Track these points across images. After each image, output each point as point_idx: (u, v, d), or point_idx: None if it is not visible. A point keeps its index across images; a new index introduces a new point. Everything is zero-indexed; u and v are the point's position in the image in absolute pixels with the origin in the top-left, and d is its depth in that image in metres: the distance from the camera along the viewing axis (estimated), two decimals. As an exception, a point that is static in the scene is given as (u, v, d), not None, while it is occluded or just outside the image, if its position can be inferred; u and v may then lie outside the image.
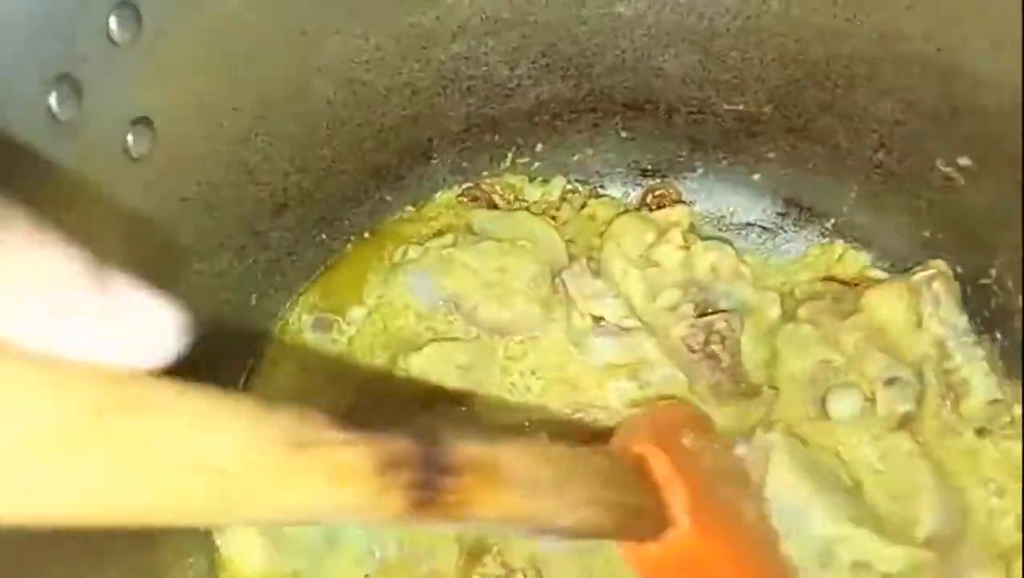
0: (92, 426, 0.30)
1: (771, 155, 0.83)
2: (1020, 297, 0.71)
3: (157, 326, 0.32)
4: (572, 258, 0.83)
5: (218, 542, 0.71)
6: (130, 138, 0.58)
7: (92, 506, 0.30)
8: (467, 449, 0.43)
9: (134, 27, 0.54)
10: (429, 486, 0.40)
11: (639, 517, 0.54)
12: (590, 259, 0.83)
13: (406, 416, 0.75)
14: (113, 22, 0.53)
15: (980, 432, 0.73)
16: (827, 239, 0.85)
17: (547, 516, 0.47)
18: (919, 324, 0.74)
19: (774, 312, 0.79)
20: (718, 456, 0.66)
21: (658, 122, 0.84)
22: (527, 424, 0.77)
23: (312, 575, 0.70)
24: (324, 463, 0.36)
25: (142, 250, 0.62)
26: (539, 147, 0.87)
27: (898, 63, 0.67)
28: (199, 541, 0.70)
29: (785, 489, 0.67)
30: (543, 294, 0.79)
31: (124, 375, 0.31)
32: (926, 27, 0.63)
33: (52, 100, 0.51)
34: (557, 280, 0.81)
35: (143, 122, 0.59)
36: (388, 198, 0.85)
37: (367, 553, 0.71)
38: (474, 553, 0.72)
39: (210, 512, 0.33)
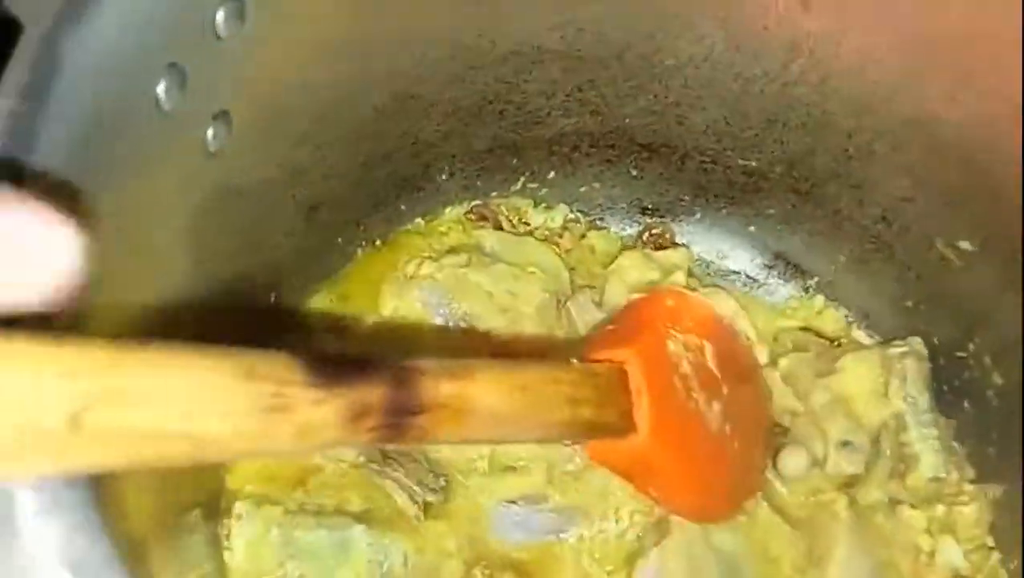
0: (70, 438, 0.31)
1: (771, 211, 0.88)
2: (996, 374, 0.77)
3: (47, 243, 0.31)
4: (575, 288, 0.85)
5: (226, 546, 0.70)
6: (210, 132, 0.58)
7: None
8: (437, 388, 0.47)
9: (238, 23, 0.54)
10: (394, 426, 0.45)
11: (604, 427, 0.61)
12: (590, 287, 0.86)
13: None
14: (220, 16, 0.53)
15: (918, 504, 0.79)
16: (808, 294, 0.90)
17: (512, 436, 0.52)
18: (885, 394, 0.80)
19: (762, 359, 0.83)
20: (710, 351, 0.71)
21: (669, 167, 0.88)
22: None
23: (321, 579, 0.70)
24: (295, 422, 0.39)
25: (200, 240, 0.61)
26: (551, 175, 0.90)
27: (926, 147, 0.72)
28: (207, 549, 0.69)
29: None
30: (549, 321, 0.82)
31: (102, 358, 0.32)
32: (962, 117, 0.68)
33: (160, 89, 0.51)
34: (562, 308, 0.83)
35: (223, 116, 0.59)
36: (404, 207, 0.86)
37: (375, 564, 0.71)
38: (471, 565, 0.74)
39: (184, 465, 0.37)
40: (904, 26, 0.67)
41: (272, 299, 0.77)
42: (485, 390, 0.49)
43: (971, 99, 0.67)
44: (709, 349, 0.71)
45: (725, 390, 0.71)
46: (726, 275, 0.92)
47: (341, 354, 0.43)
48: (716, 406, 0.69)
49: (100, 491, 0.41)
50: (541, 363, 0.58)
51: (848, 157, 0.78)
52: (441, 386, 0.46)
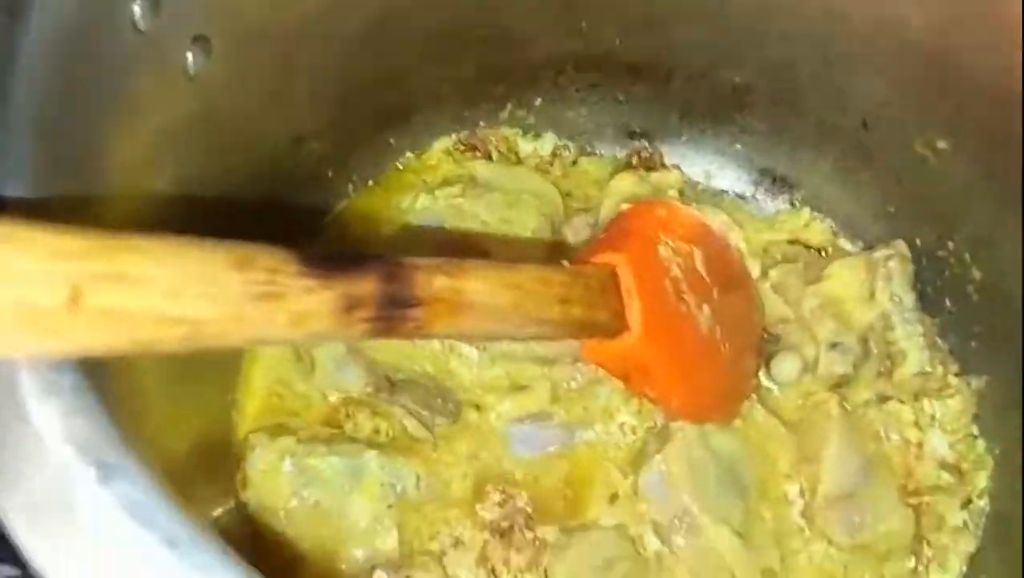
0: (70, 315, 0.33)
1: (756, 126, 0.90)
2: (975, 268, 0.79)
3: None
4: (570, 212, 0.87)
5: (244, 473, 0.73)
6: (190, 56, 0.60)
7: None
8: (431, 282, 0.49)
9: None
10: (389, 319, 0.47)
11: (596, 325, 0.63)
12: (585, 210, 0.87)
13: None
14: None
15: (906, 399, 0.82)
16: (795, 207, 0.92)
17: (505, 332, 0.55)
18: (871, 297, 0.82)
19: (755, 271, 0.85)
20: (699, 257, 0.73)
21: (655, 87, 0.89)
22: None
23: (336, 506, 0.72)
24: (287, 310, 0.41)
25: (182, 164, 0.63)
26: (538, 101, 0.91)
27: (896, 47, 0.73)
28: (226, 483, 0.72)
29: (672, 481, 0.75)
30: (545, 243, 0.84)
31: (100, 243, 0.35)
32: (929, 18, 0.69)
33: (136, 9, 0.52)
34: (557, 232, 0.85)
35: (202, 40, 0.60)
36: (391, 140, 0.88)
37: (388, 486, 0.73)
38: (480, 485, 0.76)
39: (186, 348, 0.39)
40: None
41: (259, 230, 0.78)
42: (479, 286, 0.51)
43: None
44: (699, 255, 0.73)
45: (715, 294, 0.73)
46: (715, 194, 0.94)
47: (336, 249, 0.45)
48: (706, 309, 0.71)
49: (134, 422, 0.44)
50: (533, 265, 0.59)
51: (827, 64, 0.80)
52: (435, 280, 0.48)
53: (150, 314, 0.35)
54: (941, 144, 0.77)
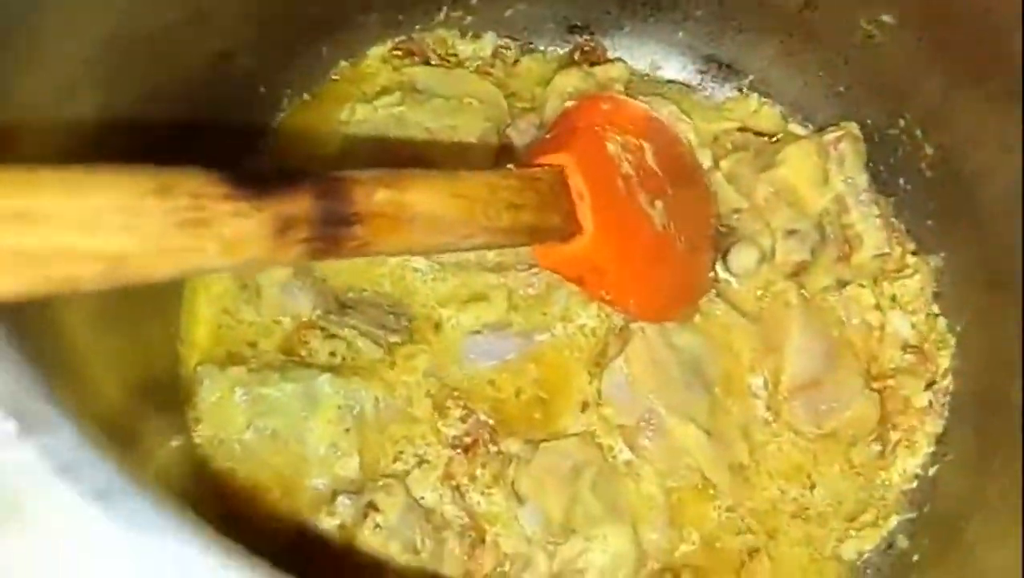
0: None
1: (698, 12, 0.87)
2: (927, 145, 0.78)
3: None
4: (514, 115, 0.84)
5: (195, 408, 0.71)
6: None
7: None
8: (370, 196, 0.47)
9: None
10: (328, 238, 0.45)
11: (547, 229, 0.61)
12: (530, 110, 0.85)
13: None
14: None
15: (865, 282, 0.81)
16: (743, 93, 0.90)
17: (453, 244, 0.53)
18: (825, 181, 0.81)
19: (706, 162, 0.83)
20: (650, 151, 0.72)
21: (592, -23, 0.85)
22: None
23: (293, 433, 0.71)
24: (217, 235, 0.39)
25: (107, 91, 0.59)
26: (473, 1, 0.87)
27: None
28: (173, 421, 0.69)
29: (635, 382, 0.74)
30: (493, 149, 0.81)
31: (5, 176, 0.32)
32: None
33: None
34: (503, 135, 0.82)
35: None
36: (324, 51, 0.84)
37: (345, 409, 0.72)
38: (442, 401, 0.75)
39: (109, 284, 0.36)
40: None
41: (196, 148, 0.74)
42: (423, 197, 0.49)
43: None
44: (649, 149, 0.71)
45: (668, 189, 0.71)
46: (662, 84, 0.91)
47: (261, 168, 0.42)
48: (659, 204, 0.69)
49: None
50: (479, 171, 0.57)
51: (771, -60, 0.77)
52: (376, 194, 0.46)
53: (62, 251, 0.33)
54: (886, 18, 0.75)
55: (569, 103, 0.81)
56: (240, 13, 0.71)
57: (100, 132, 0.61)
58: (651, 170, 0.70)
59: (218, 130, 0.75)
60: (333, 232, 0.43)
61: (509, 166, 0.60)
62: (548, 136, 0.73)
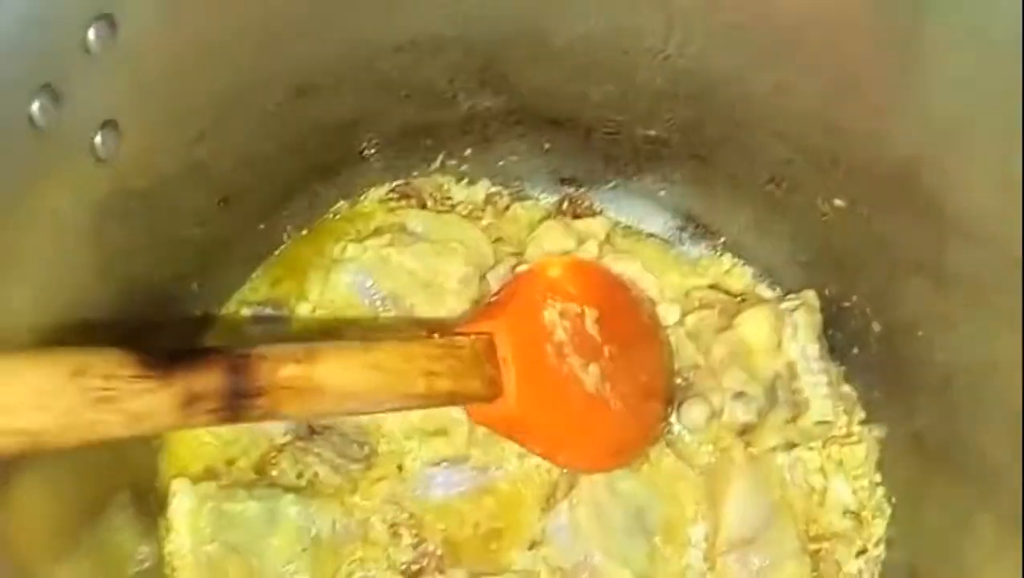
0: None
1: (676, 176, 0.93)
2: (875, 321, 0.82)
3: None
4: (498, 258, 0.91)
5: (164, 523, 0.77)
6: (98, 140, 0.63)
7: None
8: (276, 372, 0.52)
9: (109, 38, 0.59)
10: (232, 408, 0.51)
11: (467, 394, 0.67)
12: (516, 255, 0.91)
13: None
14: (91, 33, 0.57)
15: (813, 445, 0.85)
16: (717, 253, 0.95)
17: (365, 409, 0.59)
18: (778, 346, 0.85)
19: (673, 317, 0.88)
20: (591, 316, 0.76)
21: (578, 139, 0.92)
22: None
23: (253, 549, 0.77)
24: (124, 411, 0.45)
25: (104, 242, 0.67)
26: (468, 151, 0.95)
27: (791, 113, 0.77)
28: (141, 529, 0.76)
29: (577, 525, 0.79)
30: (472, 293, 0.87)
31: None
32: (818, 88, 0.72)
33: (34, 108, 0.56)
34: (484, 280, 0.88)
35: (110, 125, 0.63)
36: (323, 192, 0.91)
37: (304, 529, 0.78)
38: (396, 527, 0.80)
39: (24, 453, 0.43)
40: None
41: (195, 287, 0.83)
42: (332, 370, 0.55)
43: (829, 71, 0.71)
44: (591, 315, 0.76)
45: (607, 352, 0.76)
46: (642, 238, 0.97)
47: (176, 348, 0.49)
48: (593, 368, 0.74)
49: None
50: (397, 342, 0.62)
51: (734, 124, 0.82)
52: (281, 369, 0.52)
53: None
54: (838, 202, 0.80)
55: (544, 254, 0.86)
56: (239, 162, 0.79)
57: (105, 282, 0.69)
58: (588, 336, 0.75)
59: (218, 265, 0.84)
60: (237, 403, 0.50)
61: (434, 336, 0.66)
62: (489, 301, 0.79)
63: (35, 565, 0.52)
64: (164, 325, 0.78)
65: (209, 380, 0.48)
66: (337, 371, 0.55)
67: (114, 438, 0.45)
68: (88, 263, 0.66)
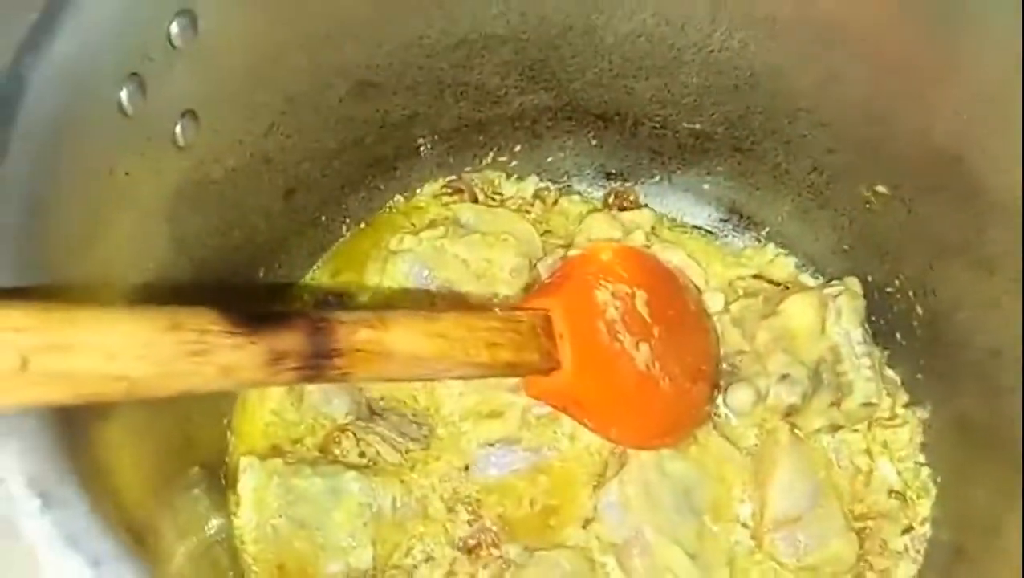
0: (19, 377, 0.41)
1: (720, 169, 0.96)
2: (918, 305, 0.84)
3: None
4: (547, 250, 0.94)
5: (233, 498, 0.81)
6: (179, 129, 0.67)
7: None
8: (352, 335, 0.56)
9: (191, 33, 0.63)
10: (313, 367, 0.54)
11: (526, 365, 0.69)
12: (564, 246, 0.94)
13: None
14: (175, 28, 0.62)
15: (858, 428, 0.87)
16: (761, 243, 0.98)
17: (430, 375, 0.63)
18: (822, 331, 0.87)
19: (718, 305, 0.91)
20: (641, 298, 0.79)
21: (624, 133, 0.96)
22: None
23: (317, 523, 0.80)
24: (216, 364, 0.49)
25: (179, 225, 0.71)
26: (518, 148, 0.98)
27: (834, 102, 0.79)
28: (212, 503, 0.79)
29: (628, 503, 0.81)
30: (523, 282, 0.91)
31: (45, 317, 0.42)
32: (862, 78, 0.75)
33: (123, 95, 0.60)
34: (534, 269, 0.92)
35: (190, 114, 0.68)
36: (381, 186, 0.95)
37: (365, 505, 0.81)
38: (452, 505, 0.84)
39: (127, 398, 0.46)
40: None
41: (261, 274, 0.87)
42: (402, 337, 0.58)
43: (872, 60, 0.74)
44: (641, 297, 0.79)
45: (656, 332, 0.79)
46: (687, 230, 1.00)
47: (263, 310, 0.52)
48: (643, 347, 0.77)
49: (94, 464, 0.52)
50: (460, 313, 0.66)
51: (776, 116, 0.86)
52: (357, 333, 0.56)
53: (91, 375, 0.43)
54: (881, 188, 0.82)
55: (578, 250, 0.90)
56: (304, 156, 0.83)
57: (179, 264, 0.73)
58: (639, 316, 0.78)
59: (279, 251, 0.88)
60: (318, 363, 0.53)
61: (495, 309, 0.69)
62: (545, 281, 0.82)
63: (128, 506, 0.55)
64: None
65: (292, 340, 0.52)
66: (406, 337, 0.58)
67: (206, 390, 0.49)
68: (166, 246, 0.70)
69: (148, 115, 0.62)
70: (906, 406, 0.87)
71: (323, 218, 0.92)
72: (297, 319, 0.53)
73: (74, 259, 0.57)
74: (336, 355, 0.54)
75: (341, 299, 0.91)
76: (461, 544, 0.82)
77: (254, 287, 0.86)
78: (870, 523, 0.83)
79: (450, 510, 0.84)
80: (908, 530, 0.83)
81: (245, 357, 0.49)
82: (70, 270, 0.57)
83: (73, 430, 0.48)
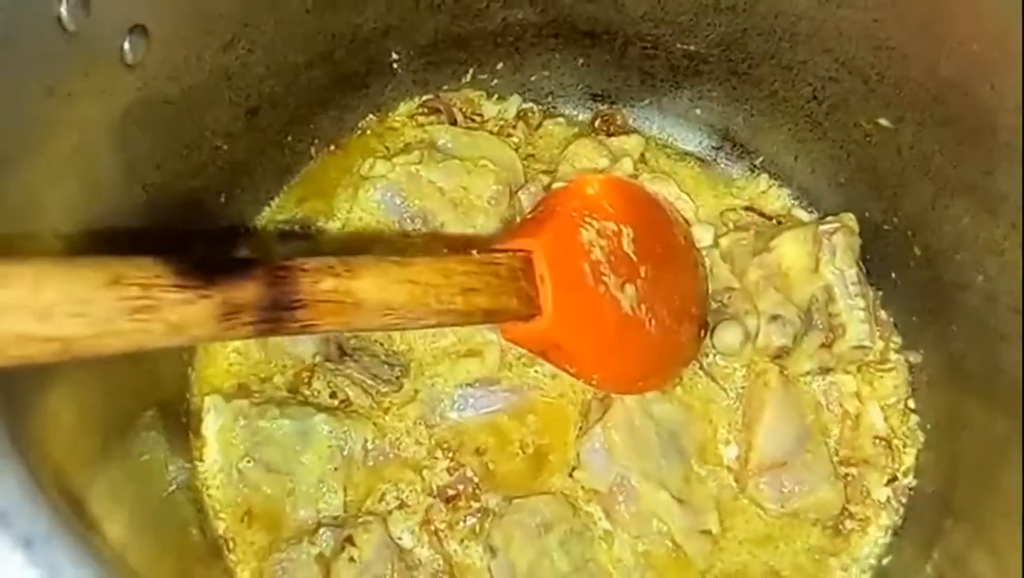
0: None
1: (713, 93, 0.90)
2: (916, 245, 0.80)
3: None
4: (529, 177, 0.89)
5: (196, 442, 0.78)
6: (127, 45, 0.61)
7: None
8: (317, 284, 0.51)
9: (139, -62, 0.57)
10: (272, 320, 0.49)
11: (504, 311, 0.64)
12: (548, 173, 0.89)
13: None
14: (118, -67, 0.55)
15: (847, 370, 0.84)
16: (754, 173, 0.93)
17: (402, 324, 0.56)
18: (815, 269, 0.83)
19: (707, 239, 0.86)
20: (628, 236, 0.74)
21: (613, 53, 0.90)
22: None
23: (285, 467, 0.77)
24: (163, 320, 0.44)
25: (130, 148, 0.65)
26: (499, 66, 0.92)
27: (838, 27, 0.74)
28: (170, 447, 0.75)
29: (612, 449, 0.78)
30: (502, 211, 0.86)
31: None
32: (866, 1, 0.70)
33: (63, 10, 0.54)
34: (515, 197, 0.87)
35: (139, 30, 0.62)
36: (353, 104, 0.89)
37: (336, 448, 0.77)
38: (431, 449, 0.80)
39: (60, 360, 0.41)
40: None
41: (222, 200, 0.81)
42: (371, 285, 0.53)
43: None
44: (628, 234, 0.74)
45: (643, 272, 0.74)
46: (677, 157, 0.95)
47: (214, 257, 0.47)
48: (629, 289, 0.73)
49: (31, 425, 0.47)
50: (434, 258, 0.61)
51: (777, 38, 0.80)
52: (322, 282, 0.51)
53: (19, 336, 0.38)
54: (883, 121, 0.78)
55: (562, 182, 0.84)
56: (266, 71, 0.77)
57: (132, 189, 0.67)
58: (625, 256, 0.73)
59: (244, 178, 0.82)
60: (277, 316, 0.48)
61: (473, 252, 0.64)
62: (526, 218, 0.77)
63: (71, 469, 0.51)
64: (193, 239, 0.76)
65: (248, 292, 0.47)
66: (375, 285, 0.53)
67: (152, 348, 0.44)
68: (116, 170, 0.65)
69: (92, 31, 0.57)
70: (898, 350, 0.84)
71: (289, 138, 0.86)
72: (254, 268, 0.48)
73: (6, 194, 0.52)
74: (298, 306, 0.49)
75: (307, 230, 0.85)
76: (439, 493, 0.79)
77: (213, 216, 0.80)
78: (853, 470, 0.81)
79: (428, 455, 0.80)
80: (892, 480, 0.80)
81: (196, 312, 0.45)
82: (12, 204, 0.52)
83: (5, 391, 0.43)
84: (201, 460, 0.77)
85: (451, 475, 0.79)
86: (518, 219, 0.85)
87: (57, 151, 0.58)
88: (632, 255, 0.73)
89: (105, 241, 0.62)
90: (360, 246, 0.83)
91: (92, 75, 0.59)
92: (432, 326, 0.59)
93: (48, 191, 0.58)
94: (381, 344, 0.83)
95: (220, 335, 0.46)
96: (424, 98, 0.92)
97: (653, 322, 0.74)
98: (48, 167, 0.57)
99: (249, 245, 0.84)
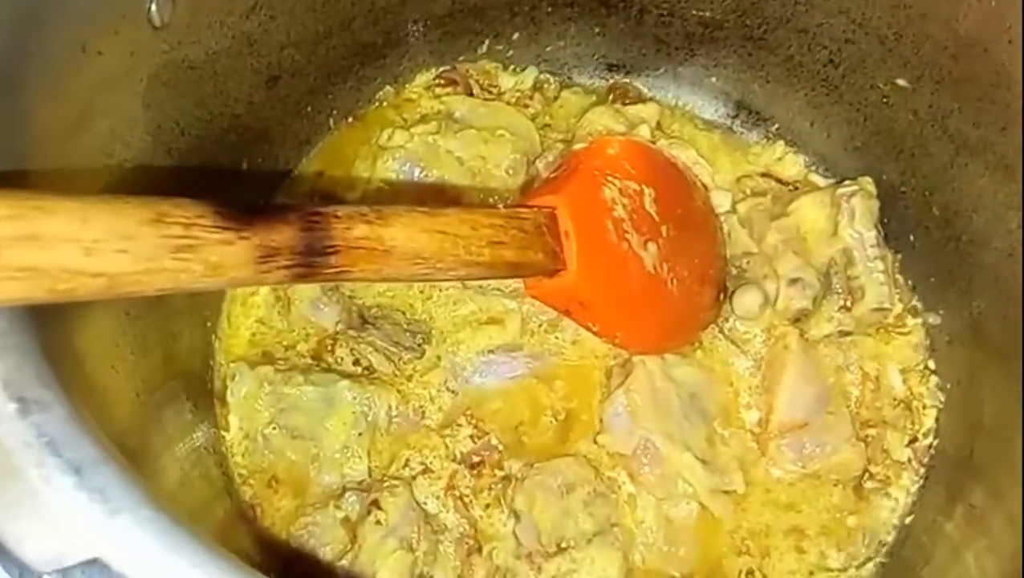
0: None
1: (729, 60, 0.90)
2: (934, 206, 0.80)
3: None
4: (546, 146, 0.89)
5: (222, 408, 0.78)
6: (154, 7, 0.62)
7: None
8: (349, 230, 0.52)
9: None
10: (307, 265, 0.50)
11: (530, 265, 0.65)
12: (565, 141, 0.89)
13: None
14: None
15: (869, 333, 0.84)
16: (770, 140, 0.93)
17: (431, 274, 0.57)
18: (834, 233, 0.84)
19: (725, 205, 0.87)
20: (649, 196, 0.75)
21: (629, 21, 0.90)
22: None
23: (310, 432, 0.77)
24: (203, 260, 0.45)
25: (156, 112, 0.66)
26: (516, 36, 0.92)
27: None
28: (195, 417, 0.76)
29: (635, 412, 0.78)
30: (520, 181, 0.86)
31: (15, 207, 0.38)
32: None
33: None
34: (532, 166, 0.87)
35: (167, -11, 0.62)
36: (370, 75, 0.90)
37: (360, 414, 0.78)
38: (453, 415, 0.81)
39: (105, 296, 0.42)
40: None
41: (244, 167, 0.81)
42: (401, 233, 0.54)
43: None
44: (649, 194, 0.75)
45: (664, 232, 0.75)
46: (693, 125, 0.95)
47: (254, 203, 0.48)
48: (652, 247, 0.73)
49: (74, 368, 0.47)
50: (463, 209, 0.61)
51: (793, 2, 0.80)
52: (354, 229, 0.51)
53: (66, 269, 0.39)
54: (901, 82, 0.78)
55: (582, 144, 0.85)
56: (287, 39, 0.77)
57: (157, 152, 0.68)
58: (647, 215, 0.74)
59: (262, 142, 0.82)
60: (311, 261, 0.49)
61: (499, 205, 0.64)
62: (550, 176, 0.78)
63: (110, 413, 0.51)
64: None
65: (285, 235, 0.47)
66: (406, 234, 0.54)
67: (191, 288, 0.44)
68: (142, 130, 0.65)
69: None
70: (917, 312, 0.84)
71: (309, 109, 0.86)
72: (290, 213, 0.48)
73: (48, 143, 0.53)
74: (332, 252, 0.50)
75: (328, 198, 0.86)
76: (463, 459, 0.79)
77: (236, 181, 0.81)
78: (873, 431, 0.81)
79: (452, 423, 0.80)
80: (913, 441, 0.81)
81: (235, 253, 0.45)
82: (44, 155, 0.53)
83: (49, 332, 0.44)
84: (227, 428, 0.78)
85: (475, 442, 0.80)
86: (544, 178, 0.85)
87: (92, 110, 0.58)
88: (654, 215, 0.74)
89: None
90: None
91: (122, 34, 0.59)
92: (461, 278, 0.60)
93: (87, 151, 0.58)
94: (403, 313, 0.83)
95: (257, 278, 0.47)
96: (441, 69, 0.93)
97: (675, 281, 0.74)
98: (85, 127, 0.58)
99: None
